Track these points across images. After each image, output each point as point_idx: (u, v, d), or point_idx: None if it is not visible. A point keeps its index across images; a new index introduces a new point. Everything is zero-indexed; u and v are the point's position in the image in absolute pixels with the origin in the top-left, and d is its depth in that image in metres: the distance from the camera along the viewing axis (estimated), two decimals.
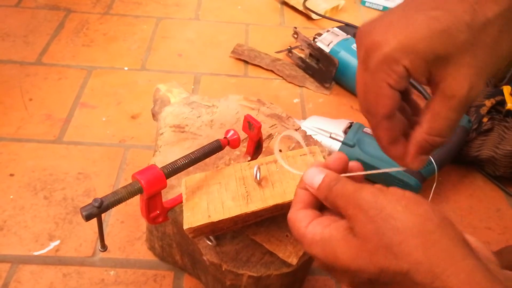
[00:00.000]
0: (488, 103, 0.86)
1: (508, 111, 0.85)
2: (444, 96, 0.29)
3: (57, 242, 0.68)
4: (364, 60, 0.30)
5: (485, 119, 0.84)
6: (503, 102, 0.87)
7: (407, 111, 0.34)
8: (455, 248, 0.25)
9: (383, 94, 0.30)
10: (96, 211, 0.41)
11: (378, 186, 0.29)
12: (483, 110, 0.85)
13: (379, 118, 0.31)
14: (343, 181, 0.31)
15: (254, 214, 0.44)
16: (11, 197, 0.74)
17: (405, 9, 0.29)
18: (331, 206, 0.32)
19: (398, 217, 0.26)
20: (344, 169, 0.34)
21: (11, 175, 0.77)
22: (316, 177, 0.32)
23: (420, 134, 0.31)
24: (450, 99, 0.29)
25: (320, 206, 0.34)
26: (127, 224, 0.72)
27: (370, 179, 0.79)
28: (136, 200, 0.45)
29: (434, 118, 0.30)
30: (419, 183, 0.76)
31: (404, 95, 0.33)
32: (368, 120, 0.33)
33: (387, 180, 0.76)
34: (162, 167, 0.45)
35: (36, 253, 0.67)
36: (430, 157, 0.78)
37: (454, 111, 0.29)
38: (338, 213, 0.32)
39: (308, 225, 0.31)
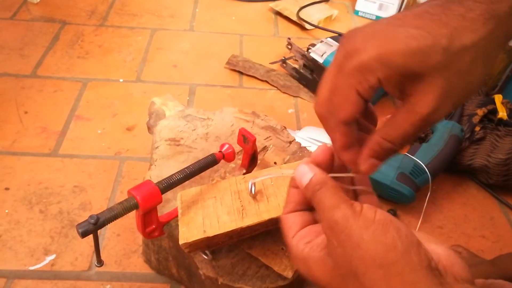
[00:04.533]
0: (480, 112, 0.87)
1: (500, 119, 0.86)
2: (408, 110, 0.30)
3: (52, 257, 0.68)
4: (340, 63, 0.30)
5: (477, 128, 0.85)
6: (495, 111, 0.88)
7: (362, 121, 0.35)
8: (417, 278, 0.25)
9: (350, 100, 0.30)
10: (92, 228, 0.41)
11: (353, 206, 0.29)
12: (475, 119, 0.86)
13: (338, 122, 0.32)
14: (325, 188, 0.31)
15: (250, 228, 0.45)
16: (6, 211, 0.73)
17: (390, 23, 0.30)
18: (315, 209, 0.32)
19: (364, 246, 0.27)
20: (331, 159, 0.35)
21: (7, 189, 0.77)
22: (306, 176, 0.33)
23: (375, 136, 0.32)
24: (412, 114, 0.30)
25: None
26: (123, 237, 0.72)
27: None
28: (132, 212, 0.45)
29: (392, 125, 0.31)
30: (413, 192, 0.76)
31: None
32: (323, 121, 0.33)
33: (381, 190, 0.77)
34: (157, 183, 0.45)
35: (31, 268, 0.66)
36: (424, 166, 0.78)
37: (412, 126, 0.30)
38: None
39: (294, 236, 0.32)
